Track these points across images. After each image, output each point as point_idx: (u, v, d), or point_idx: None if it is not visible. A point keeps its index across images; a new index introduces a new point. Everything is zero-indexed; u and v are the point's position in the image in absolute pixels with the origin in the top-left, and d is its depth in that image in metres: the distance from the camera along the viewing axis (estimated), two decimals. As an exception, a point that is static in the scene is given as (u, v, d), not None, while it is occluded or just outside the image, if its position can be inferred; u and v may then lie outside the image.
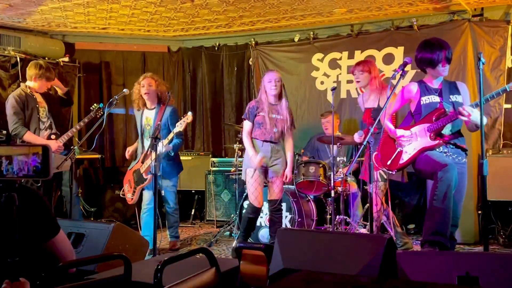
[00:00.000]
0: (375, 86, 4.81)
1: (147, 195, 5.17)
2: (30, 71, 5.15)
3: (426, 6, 5.74)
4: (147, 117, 5.18)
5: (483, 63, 3.65)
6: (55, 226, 2.06)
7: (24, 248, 1.82)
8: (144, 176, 5.03)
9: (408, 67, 5.29)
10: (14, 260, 1.64)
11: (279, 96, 4.85)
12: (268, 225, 5.31)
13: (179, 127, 4.77)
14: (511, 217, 5.23)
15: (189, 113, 4.77)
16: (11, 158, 1.67)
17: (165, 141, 4.85)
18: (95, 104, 5.32)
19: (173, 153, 5.09)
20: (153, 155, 4.57)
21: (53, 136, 5.11)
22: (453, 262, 2.32)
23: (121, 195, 5.36)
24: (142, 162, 5.07)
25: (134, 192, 5.15)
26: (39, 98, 5.20)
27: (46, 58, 6.68)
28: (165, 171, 5.16)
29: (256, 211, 4.87)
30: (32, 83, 5.16)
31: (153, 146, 4.22)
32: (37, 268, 1.93)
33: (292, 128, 4.93)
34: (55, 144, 5.01)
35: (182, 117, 4.80)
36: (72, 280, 2.06)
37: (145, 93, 5.08)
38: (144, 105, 5.20)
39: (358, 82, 4.89)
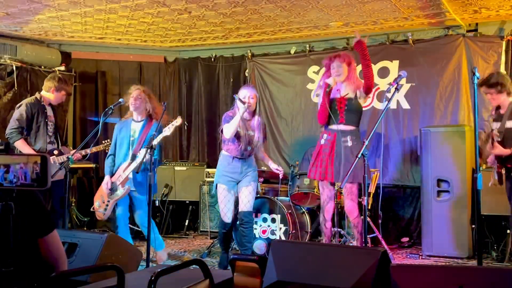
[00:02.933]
0: (352, 80, 4.53)
1: (119, 211, 4.88)
2: (49, 82, 5.24)
3: (421, 21, 5.79)
4: (133, 129, 4.89)
5: (477, 78, 3.69)
6: (51, 222, 2.06)
7: (19, 251, 1.81)
8: (121, 188, 4.78)
9: (402, 81, 5.32)
10: (8, 270, 1.64)
11: (253, 113, 4.80)
12: (262, 237, 5.34)
13: (167, 131, 4.50)
14: (504, 231, 5.24)
15: (179, 117, 4.59)
16: (9, 167, 1.67)
17: (142, 151, 4.49)
18: (108, 140, 5.23)
19: (155, 168, 4.78)
20: (133, 165, 4.62)
21: (55, 152, 5.15)
22: (447, 276, 2.32)
23: (92, 210, 5.07)
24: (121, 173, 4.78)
25: (106, 206, 4.83)
26: (49, 112, 5.27)
27: (42, 67, 6.69)
28: (140, 184, 4.79)
29: (226, 226, 4.85)
30: (49, 94, 5.23)
31: (145, 157, 4.22)
32: (30, 278, 1.92)
33: (263, 142, 4.90)
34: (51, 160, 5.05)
35: (170, 122, 4.57)
36: (65, 290, 2.05)
37: (132, 104, 4.83)
38: (131, 116, 4.94)
39: (338, 76, 4.53)
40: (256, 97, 4.77)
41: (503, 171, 4.39)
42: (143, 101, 4.86)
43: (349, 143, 4.45)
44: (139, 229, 5.26)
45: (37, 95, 5.25)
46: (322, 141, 4.61)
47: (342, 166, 4.42)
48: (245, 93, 4.72)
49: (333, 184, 4.62)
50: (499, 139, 4.29)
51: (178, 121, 4.55)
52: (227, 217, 4.82)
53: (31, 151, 5.02)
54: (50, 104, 5.31)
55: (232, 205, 4.84)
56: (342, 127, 4.51)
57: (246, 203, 4.81)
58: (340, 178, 4.43)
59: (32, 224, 1.96)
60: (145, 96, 4.88)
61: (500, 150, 4.28)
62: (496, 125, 4.43)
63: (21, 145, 5.00)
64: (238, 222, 4.95)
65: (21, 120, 5.04)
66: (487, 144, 4.34)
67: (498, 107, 4.51)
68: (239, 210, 4.86)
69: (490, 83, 4.34)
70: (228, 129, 4.64)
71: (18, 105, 5.18)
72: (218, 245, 5.28)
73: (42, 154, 1.68)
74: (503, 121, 4.34)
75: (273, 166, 5.00)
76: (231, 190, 4.82)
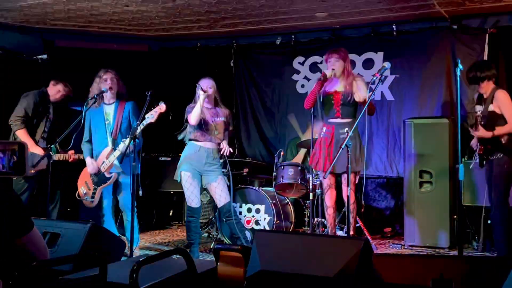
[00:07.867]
0: (347, 75, 4.76)
1: (106, 201, 4.92)
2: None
3: (406, 12, 5.81)
4: (107, 112, 4.90)
5: (460, 70, 3.73)
6: (29, 222, 2.03)
7: None
8: (107, 175, 4.80)
9: (387, 72, 5.33)
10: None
11: (215, 102, 4.93)
12: (247, 227, 5.37)
13: (150, 118, 4.50)
14: (485, 222, 5.31)
15: (161, 103, 4.56)
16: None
17: (127, 141, 4.48)
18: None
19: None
20: (116, 153, 4.64)
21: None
22: (428, 265, 2.35)
23: (77, 198, 5.06)
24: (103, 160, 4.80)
25: (93, 194, 4.86)
26: (51, 109, 5.34)
27: (24, 55, 6.60)
28: (123, 167, 4.78)
29: (194, 211, 4.87)
30: (49, 88, 5.37)
31: (125, 145, 4.19)
32: (10, 267, 1.90)
33: (229, 131, 5.03)
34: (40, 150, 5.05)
35: (153, 107, 4.53)
36: (47, 279, 2.03)
37: (109, 88, 4.82)
38: (102, 100, 4.91)
39: (333, 70, 4.76)
40: (214, 87, 4.89)
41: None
42: (116, 84, 4.91)
43: (347, 135, 4.53)
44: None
45: (44, 89, 5.32)
46: (322, 134, 4.78)
47: (341, 157, 4.49)
48: (206, 83, 4.83)
49: (333, 173, 4.71)
50: (483, 122, 4.46)
51: (162, 107, 4.53)
52: (194, 202, 4.84)
53: (32, 142, 5.04)
54: (52, 103, 5.37)
55: (198, 191, 4.86)
56: (339, 120, 4.67)
57: (225, 197, 4.85)
58: (337, 168, 4.54)
59: (10, 223, 1.94)
60: (117, 78, 4.93)
61: (482, 132, 4.42)
62: (479, 108, 4.58)
63: (23, 135, 5.02)
64: (223, 217, 5.03)
65: (28, 109, 5.09)
66: (472, 128, 4.55)
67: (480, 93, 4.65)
68: (219, 206, 4.92)
69: (482, 75, 4.46)
70: (192, 116, 4.73)
71: (25, 94, 5.20)
72: (217, 231, 5.51)
73: (20, 142, 1.65)
74: (486, 104, 4.49)
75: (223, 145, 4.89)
76: (195, 178, 4.83)
